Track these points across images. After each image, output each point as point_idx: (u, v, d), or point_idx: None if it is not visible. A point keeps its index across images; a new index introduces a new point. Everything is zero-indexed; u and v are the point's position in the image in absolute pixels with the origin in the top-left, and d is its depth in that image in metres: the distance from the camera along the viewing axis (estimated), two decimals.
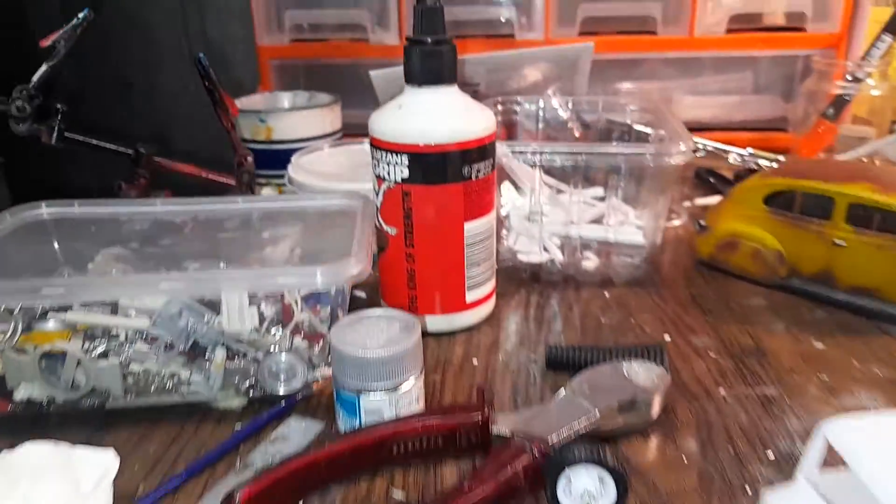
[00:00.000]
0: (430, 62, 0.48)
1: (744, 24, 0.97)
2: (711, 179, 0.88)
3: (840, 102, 0.90)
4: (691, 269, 0.64)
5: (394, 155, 0.48)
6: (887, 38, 0.88)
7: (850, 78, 0.89)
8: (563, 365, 0.47)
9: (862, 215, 0.57)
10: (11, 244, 0.50)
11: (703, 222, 0.65)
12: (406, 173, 0.48)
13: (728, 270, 0.63)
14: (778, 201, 0.60)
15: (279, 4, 0.91)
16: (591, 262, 0.63)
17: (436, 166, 0.47)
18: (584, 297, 0.59)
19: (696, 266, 0.65)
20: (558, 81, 0.82)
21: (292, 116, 0.73)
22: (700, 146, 0.91)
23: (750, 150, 0.86)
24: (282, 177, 0.68)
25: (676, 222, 0.76)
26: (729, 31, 0.96)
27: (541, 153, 0.56)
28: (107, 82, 1.06)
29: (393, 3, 0.90)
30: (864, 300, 0.56)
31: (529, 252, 0.63)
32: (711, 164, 0.91)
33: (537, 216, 0.64)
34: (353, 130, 0.89)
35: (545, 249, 0.63)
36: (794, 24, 0.97)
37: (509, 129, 0.77)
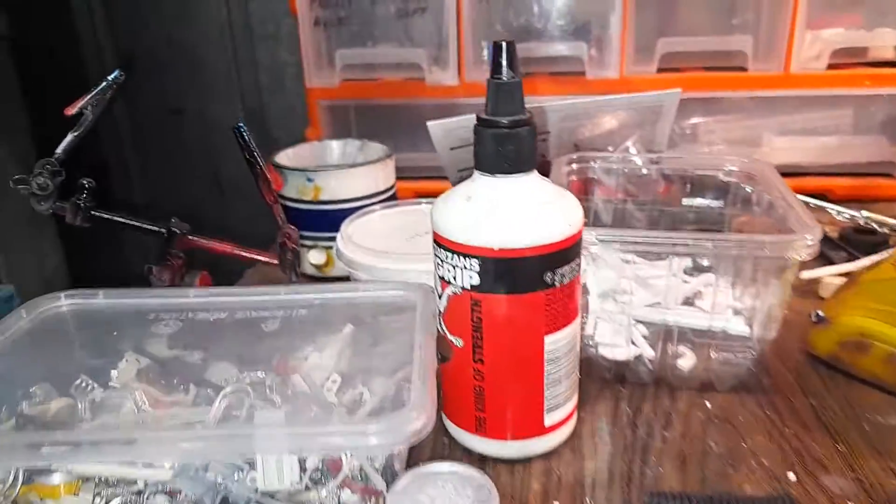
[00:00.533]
0: (506, 148, 0.39)
1: (847, 58, 0.85)
2: None
3: None
4: (805, 367, 0.54)
5: (461, 258, 0.40)
6: None
7: None
8: None
9: None
10: (27, 346, 0.44)
11: (821, 313, 0.55)
12: (476, 280, 0.39)
13: (853, 374, 0.52)
14: None
15: (329, 44, 0.84)
16: (687, 360, 0.53)
17: (512, 273, 0.39)
18: (682, 409, 0.50)
19: (810, 362, 0.55)
20: (638, 130, 0.72)
21: (342, 175, 0.66)
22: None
23: (865, 213, 0.74)
24: (330, 239, 0.61)
25: None
26: (830, 66, 0.84)
27: (634, 242, 0.47)
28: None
29: (452, 42, 0.83)
30: None
31: (614, 346, 0.54)
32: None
33: (622, 296, 0.55)
34: (408, 174, 0.82)
35: (633, 342, 0.54)
36: None
37: (585, 183, 0.69)
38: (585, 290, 0.54)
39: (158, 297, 0.48)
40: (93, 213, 0.50)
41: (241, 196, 1.07)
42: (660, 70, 0.85)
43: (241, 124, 0.49)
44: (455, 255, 0.40)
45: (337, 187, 0.65)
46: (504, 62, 0.39)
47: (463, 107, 0.85)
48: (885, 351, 0.50)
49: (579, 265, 0.42)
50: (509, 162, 0.40)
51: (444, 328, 0.42)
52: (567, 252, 0.40)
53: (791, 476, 0.42)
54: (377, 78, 0.86)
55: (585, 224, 0.42)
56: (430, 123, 0.69)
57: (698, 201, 0.71)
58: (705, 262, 0.60)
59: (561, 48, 0.85)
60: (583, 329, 0.56)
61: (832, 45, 0.84)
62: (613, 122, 0.74)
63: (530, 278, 0.39)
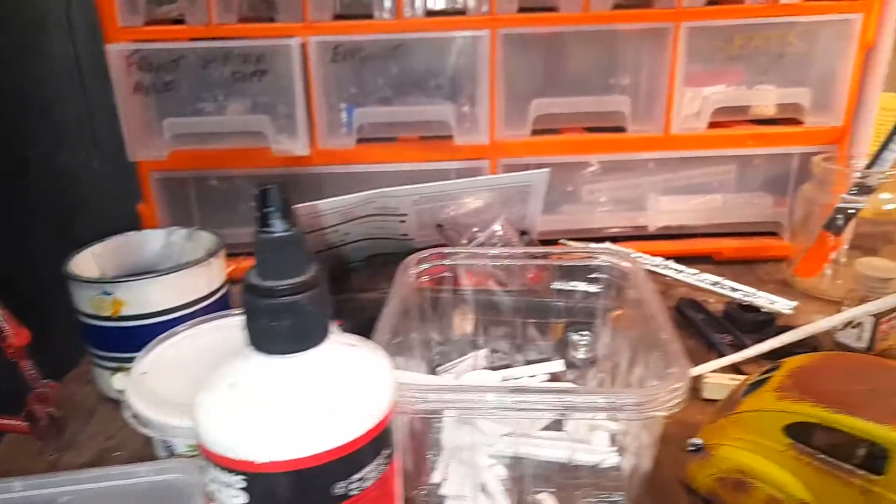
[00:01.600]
0: (280, 321, 0.30)
1: (729, 116, 0.81)
2: (700, 317, 0.71)
3: (845, 215, 0.75)
4: (681, 497, 0.48)
5: (222, 472, 0.29)
6: None
7: (855, 189, 0.74)
8: None
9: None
10: None
11: (697, 441, 0.48)
12: (242, 501, 0.30)
13: None
14: (803, 432, 0.44)
15: (155, 111, 0.72)
16: None
17: (290, 492, 0.29)
18: None
19: (691, 498, 0.48)
20: (506, 210, 0.65)
21: (147, 286, 0.54)
22: (674, 273, 0.75)
23: (755, 291, 0.69)
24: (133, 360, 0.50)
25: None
26: (712, 124, 0.80)
27: (482, 400, 0.38)
28: None
29: (300, 107, 0.72)
30: None
31: (462, 498, 0.45)
32: (695, 292, 0.75)
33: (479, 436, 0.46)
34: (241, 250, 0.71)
35: (483, 490, 0.46)
36: (788, 116, 0.81)
37: (452, 273, 0.61)
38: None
39: None
40: None
41: None
42: (535, 132, 0.78)
43: None
44: (215, 468, 0.30)
45: (142, 300, 0.54)
46: (274, 211, 0.30)
47: (317, 176, 0.76)
48: (765, 494, 0.44)
49: (389, 458, 0.33)
50: (285, 338, 0.30)
51: None
52: (366, 449, 0.31)
53: None
54: (216, 147, 0.75)
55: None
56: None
57: (571, 286, 0.64)
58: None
59: (426, 112, 0.76)
60: (428, 478, 0.47)
61: (713, 103, 0.80)
62: (479, 202, 0.66)
63: (315, 495, 0.30)
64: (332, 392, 0.31)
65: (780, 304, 0.69)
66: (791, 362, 0.47)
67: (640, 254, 0.78)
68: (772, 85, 0.80)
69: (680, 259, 0.78)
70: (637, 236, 0.86)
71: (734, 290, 0.72)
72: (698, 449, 0.47)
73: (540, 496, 0.45)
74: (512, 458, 0.48)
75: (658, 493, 0.48)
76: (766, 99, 0.81)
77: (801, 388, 0.44)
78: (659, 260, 0.77)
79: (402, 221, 0.66)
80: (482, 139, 0.76)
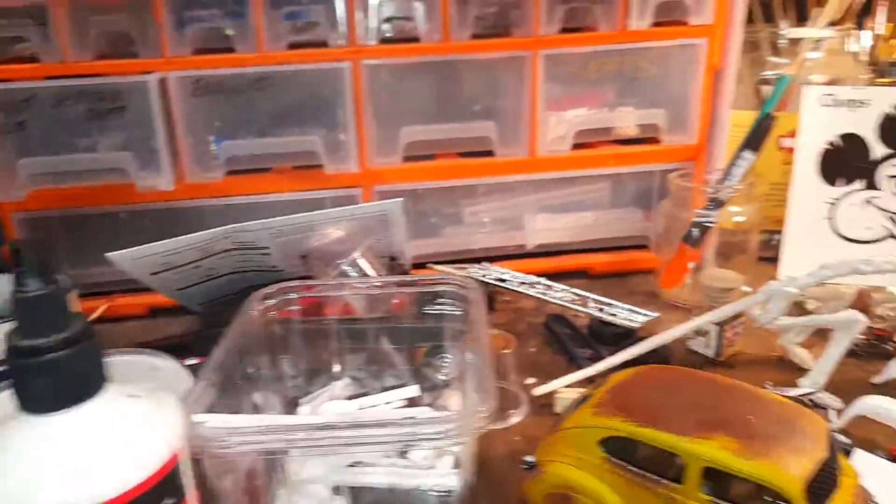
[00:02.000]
0: (39, 380, 0.30)
1: (594, 137, 0.85)
2: (566, 331, 0.74)
3: (700, 229, 0.79)
4: None
5: None
6: (748, 156, 0.78)
7: (710, 203, 0.78)
8: None
9: (722, 479, 0.44)
10: None
11: (530, 458, 0.50)
12: None
13: None
14: (617, 446, 0.46)
15: (8, 152, 0.70)
16: None
17: None
18: None
19: None
20: (368, 239, 0.66)
21: None
22: (542, 292, 0.77)
23: (617, 305, 0.72)
24: None
25: (514, 420, 0.61)
26: (578, 145, 0.83)
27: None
28: None
29: (162, 142, 0.72)
30: None
31: None
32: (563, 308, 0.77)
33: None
34: (137, 286, 0.70)
35: None
36: (649, 136, 0.85)
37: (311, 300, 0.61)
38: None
39: None
40: None
41: None
42: (408, 159, 0.80)
43: None
44: None
45: None
46: (28, 271, 0.30)
47: (184, 211, 0.75)
48: None
49: (178, 502, 0.33)
50: (49, 396, 0.30)
51: None
52: (142, 500, 0.31)
53: None
54: (80, 185, 0.73)
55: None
56: (110, 255, 0.58)
57: (432, 309, 0.66)
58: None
59: (293, 143, 0.77)
60: None
61: (576, 125, 0.83)
62: (340, 232, 0.67)
63: None
64: (97, 447, 0.31)
65: (638, 318, 0.72)
66: (614, 378, 0.50)
67: (515, 273, 0.80)
68: (630, 107, 0.84)
69: (556, 275, 0.81)
70: (517, 255, 0.88)
71: (598, 305, 0.74)
72: (531, 466, 0.49)
73: None
74: (354, 488, 0.48)
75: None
76: (626, 120, 0.85)
77: (616, 403, 0.46)
78: (532, 278, 0.80)
79: (266, 254, 0.67)
80: (353, 167, 0.78)
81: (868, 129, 0.65)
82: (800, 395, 0.59)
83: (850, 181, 0.63)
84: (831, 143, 0.69)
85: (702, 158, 0.85)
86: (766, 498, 0.40)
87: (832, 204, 0.63)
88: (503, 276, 0.78)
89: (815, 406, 0.58)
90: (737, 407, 0.44)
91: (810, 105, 0.66)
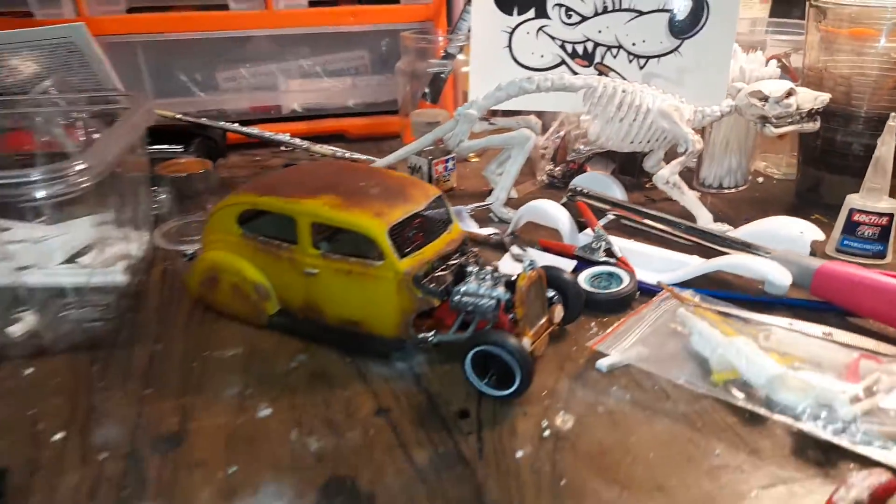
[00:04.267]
0: None
1: None
2: None
3: (436, 81, 0.83)
4: (174, 311, 0.51)
5: None
6: (470, 9, 0.82)
7: (443, 55, 0.82)
8: None
9: (329, 236, 0.48)
10: None
11: (189, 251, 0.52)
12: None
13: (218, 311, 0.50)
14: (253, 223, 0.49)
15: None
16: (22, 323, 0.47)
17: None
18: None
19: (188, 304, 0.52)
20: (58, 72, 0.64)
21: None
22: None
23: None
24: None
25: None
26: (312, 3, 0.84)
27: None
28: None
29: None
30: (350, 335, 0.46)
31: None
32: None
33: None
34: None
35: None
36: None
37: None
38: None
39: None
40: None
41: None
42: (131, 10, 0.77)
43: None
44: None
45: None
46: None
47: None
48: (230, 282, 0.48)
49: None
50: None
51: None
52: None
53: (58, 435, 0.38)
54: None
55: None
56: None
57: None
58: None
59: None
60: None
61: None
62: (33, 67, 0.64)
63: None
64: None
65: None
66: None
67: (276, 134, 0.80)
68: None
69: (315, 138, 0.82)
70: (276, 118, 0.89)
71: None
72: (192, 258, 0.51)
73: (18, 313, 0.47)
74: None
75: (161, 304, 0.52)
76: None
77: (254, 185, 0.49)
78: (287, 136, 0.80)
79: None
80: (67, 14, 0.74)
81: None
82: (490, 235, 0.63)
83: (523, 11, 0.67)
84: None
85: (441, 19, 0.88)
86: (362, 247, 0.44)
87: (509, 33, 0.68)
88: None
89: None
90: (356, 180, 0.48)
91: None
